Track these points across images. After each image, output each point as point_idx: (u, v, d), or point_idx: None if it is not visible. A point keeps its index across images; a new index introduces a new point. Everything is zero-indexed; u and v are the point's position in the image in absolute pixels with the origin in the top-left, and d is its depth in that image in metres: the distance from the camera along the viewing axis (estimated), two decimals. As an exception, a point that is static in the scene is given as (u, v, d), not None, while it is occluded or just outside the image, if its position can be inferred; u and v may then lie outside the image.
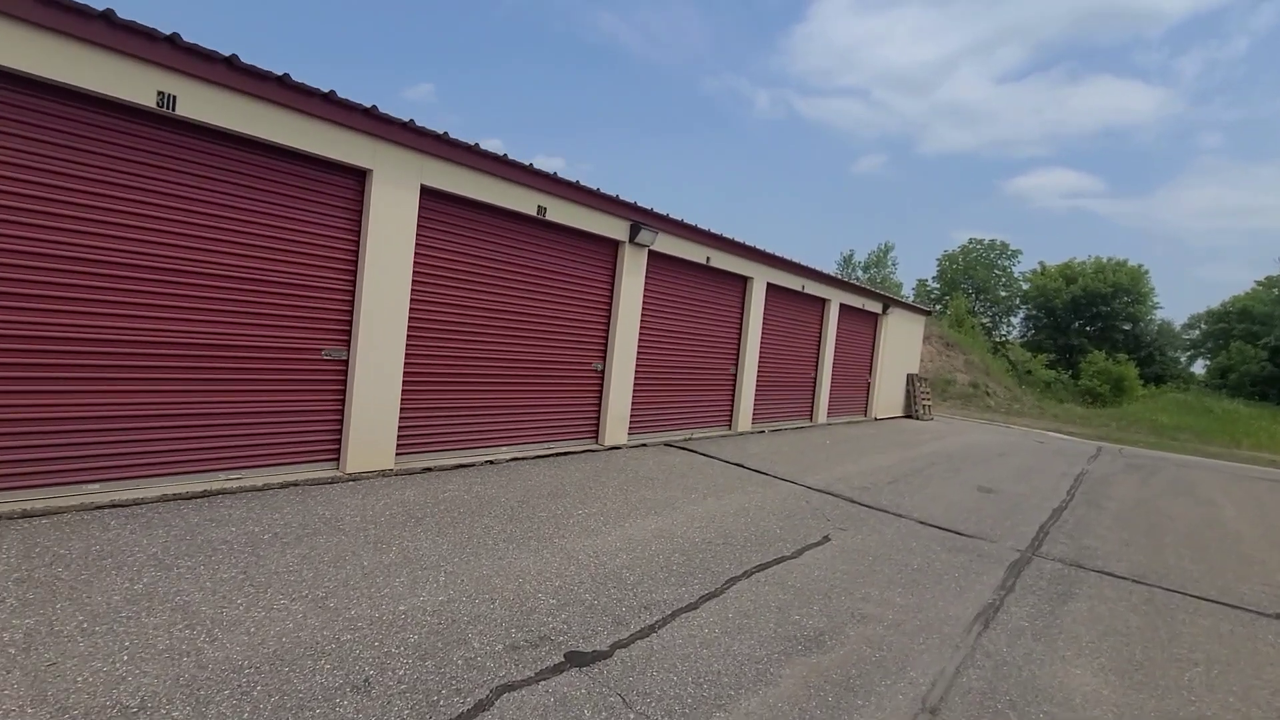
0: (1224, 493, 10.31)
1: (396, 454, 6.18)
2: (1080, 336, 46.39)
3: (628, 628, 3.56)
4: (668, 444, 9.24)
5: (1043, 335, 47.92)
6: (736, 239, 10.10)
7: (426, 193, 6.15)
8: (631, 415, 8.86)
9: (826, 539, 5.57)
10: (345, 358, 5.76)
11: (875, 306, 15.39)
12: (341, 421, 5.80)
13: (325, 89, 5.12)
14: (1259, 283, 44.96)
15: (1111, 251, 61.37)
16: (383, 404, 5.96)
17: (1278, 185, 74.04)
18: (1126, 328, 46.58)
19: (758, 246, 10.63)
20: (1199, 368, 49.14)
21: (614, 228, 8.13)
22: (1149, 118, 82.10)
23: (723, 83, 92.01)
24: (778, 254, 11.20)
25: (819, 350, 13.43)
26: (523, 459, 7.25)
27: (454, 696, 2.77)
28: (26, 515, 4.04)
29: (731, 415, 11.07)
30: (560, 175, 7.22)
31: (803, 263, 12.01)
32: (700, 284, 10.02)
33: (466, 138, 6.24)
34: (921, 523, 6.46)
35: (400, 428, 6.19)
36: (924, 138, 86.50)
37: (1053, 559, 5.75)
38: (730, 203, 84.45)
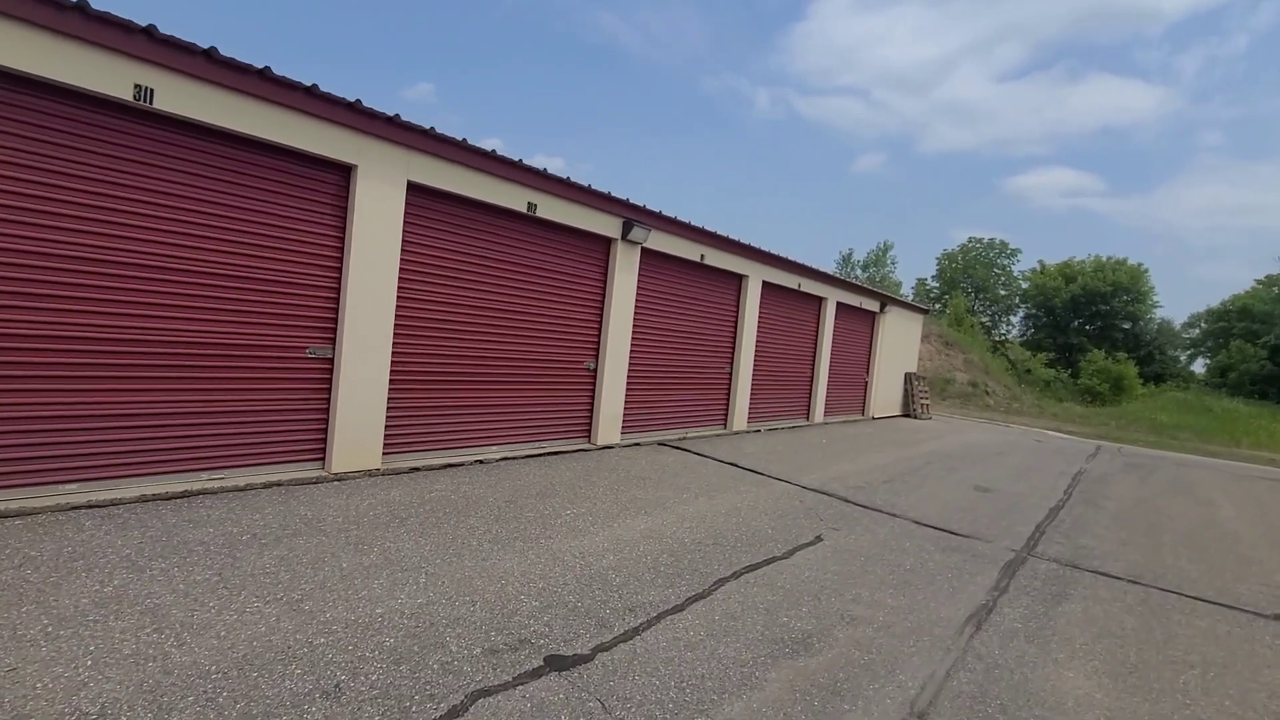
0: (1223, 492, 10.23)
1: (383, 453, 6.10)
2: (1080, 335, 46.33)
3: (611, 630, 3.49)
4: (661, 443, 9.16)
5: (1042, 334, 47.90)
6: (731, 236, 10.02)
7: (413, 189, 6.07)
8: (624, 414, 8.78)
9: (819, 539, 5.50)
10: (330, 356, 5.68)
11: (872, 305, 15.31)
12: (326, 420, 5.72)
13: (308, 83, 5.04)
14: (1259, 281, 44.96)
15: (1111, 250, 61.40)
16: (369, 403, 5.88)
17: (1277, 183, 74.14)
18: (1126, 326, 46.53)
19: (752, 244, 10.54)
20: (1199, 366, 49.21)
21: (606, 224, 8.05)
22: (1149, 116, 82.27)
23: (722, 82, 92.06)
24: (773, 251, 11.11)
25: (815, 349, 13.35)
26: (513, 459, 7.17)
27: (427, 702, 2.69)
28: (0, 516, 3.96)
29: (726, 414, 10.99)
30: (550, 171, 7.14)
31: (799, 260, 11.93)
32: (695, 282, 9.94)
33: (467, 137, 6.17)
34: (916, 522, 6.38)
35: (387, 427, 6.10)
36: (923, 137, 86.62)
37: (1048, 559, 5.67)
38: (730, 202, 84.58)
